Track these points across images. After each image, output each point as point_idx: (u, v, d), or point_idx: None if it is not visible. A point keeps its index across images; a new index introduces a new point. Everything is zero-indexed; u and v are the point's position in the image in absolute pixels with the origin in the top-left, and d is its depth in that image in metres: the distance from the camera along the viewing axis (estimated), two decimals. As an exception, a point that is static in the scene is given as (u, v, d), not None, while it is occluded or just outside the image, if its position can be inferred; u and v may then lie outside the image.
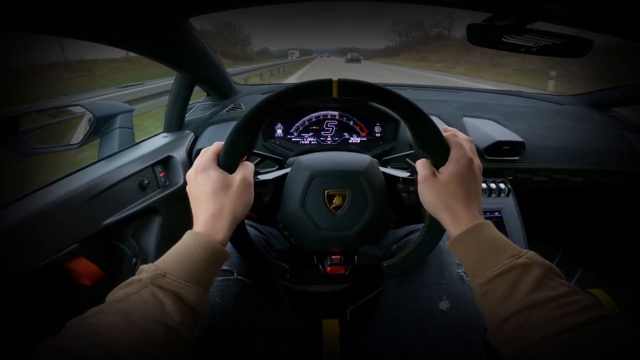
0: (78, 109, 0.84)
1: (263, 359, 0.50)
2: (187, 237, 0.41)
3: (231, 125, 1.01)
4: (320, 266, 0.57)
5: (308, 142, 0.98)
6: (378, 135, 0.99)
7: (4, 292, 0.54)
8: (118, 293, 0.35)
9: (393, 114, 0.94)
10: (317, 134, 0.98)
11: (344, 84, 0.45)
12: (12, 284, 0.54)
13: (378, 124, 0.98)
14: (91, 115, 0.83)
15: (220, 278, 0.53)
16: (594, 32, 0.64)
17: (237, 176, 0.45)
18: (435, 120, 1.05)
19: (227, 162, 0.46)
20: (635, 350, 0.28)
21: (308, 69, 21.72)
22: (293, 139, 0.98)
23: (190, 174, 0.47)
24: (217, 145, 0.48)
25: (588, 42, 0.66)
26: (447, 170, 0.45)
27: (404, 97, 0.46)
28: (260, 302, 0.55)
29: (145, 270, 0.37)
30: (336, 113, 0.97)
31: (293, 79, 11.73)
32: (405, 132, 0.98)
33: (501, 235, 0.41)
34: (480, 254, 0.39)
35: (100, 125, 0.86)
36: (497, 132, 1.01)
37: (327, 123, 0.98)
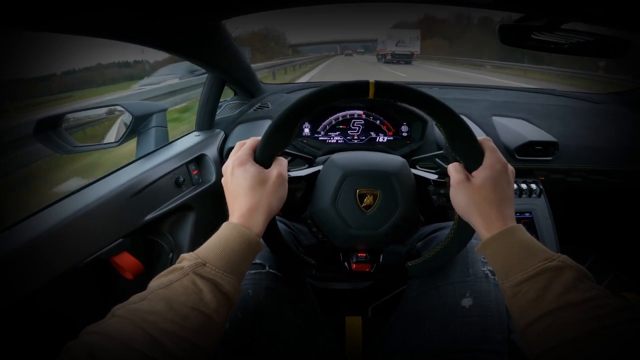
0: (118, 109, 0.88)
1: (289, 351, 0.52)
2: (225, 227, 0.42)
3: (259, 124, 1.03)
4: (345, 263, 0.58)
5: (335, 140, 0.99)
6: (405, 134, 0.98)
7: (58, 283, 0.58)
8: (161, 280, 0.37)
9: (421, 113, 0.93)
10: (343, 133, 0.99)
11: (380, 86, 0.46)
12: (65, 276, 0.58)
13: (405, 124, 0.98)
14: (129, 115, 0.87)
15: (252, 271, 0.55)
16: (632, 32, 0.61)
17: (274, 171, 0.46)
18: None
19: (263, 157, 0.47)
20: None
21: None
22: (320, 138, 0.99)
23: (227, 167, 0.47)
24: (254, 140, 0.49)
25: (625, 43, 0.63)
26: (482, 175, 0.45)
27: (439, 100, 0.46)
28: (289, 295, 0.57)
29: (187, 259, 0.39)
30: (362, 112, 0.98)
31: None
32: (432, 131, 0.97)
33: (533, 238, 0.41)
34: (512, 257, 0.39)
35: (138, 124, 0.89)
36: (529, 131, 0.98)
37: (354, 122, 0.98)
